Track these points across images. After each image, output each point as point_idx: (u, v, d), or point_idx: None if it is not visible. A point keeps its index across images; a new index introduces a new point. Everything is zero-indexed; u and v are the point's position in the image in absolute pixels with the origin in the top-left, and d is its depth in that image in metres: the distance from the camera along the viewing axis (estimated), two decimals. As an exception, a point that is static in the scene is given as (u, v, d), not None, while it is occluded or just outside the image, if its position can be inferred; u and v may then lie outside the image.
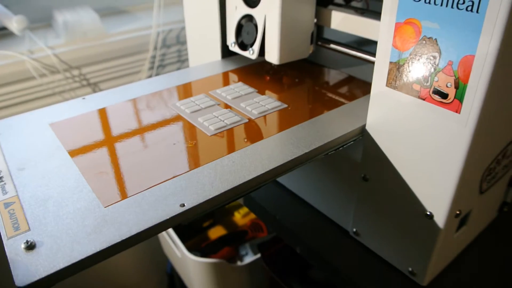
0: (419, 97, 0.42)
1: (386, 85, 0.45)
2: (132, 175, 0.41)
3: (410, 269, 0.51)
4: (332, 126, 0.48)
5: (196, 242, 1.01)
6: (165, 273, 1.24)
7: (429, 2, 0.38)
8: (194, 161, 0.42)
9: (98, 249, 0.32)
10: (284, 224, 0.62)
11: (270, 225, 0.67)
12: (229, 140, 0.46)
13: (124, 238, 0.33)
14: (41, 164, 0.43)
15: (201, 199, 0.37)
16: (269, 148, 0.44)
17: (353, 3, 0.66)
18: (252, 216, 1.06)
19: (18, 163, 0.43)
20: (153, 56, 0.99)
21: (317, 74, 0.65)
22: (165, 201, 0.37)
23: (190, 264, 0.87)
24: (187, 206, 0.36)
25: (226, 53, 0.69)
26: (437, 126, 0.42)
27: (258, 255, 0.87)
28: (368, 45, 0.71)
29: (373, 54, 0.57)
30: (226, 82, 0.61)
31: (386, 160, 0.48)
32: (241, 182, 0.39)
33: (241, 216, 1.07)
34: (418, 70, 0.41)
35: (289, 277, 0.79)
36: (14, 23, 0.81)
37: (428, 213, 0.46)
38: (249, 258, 0.91)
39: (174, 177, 0.40)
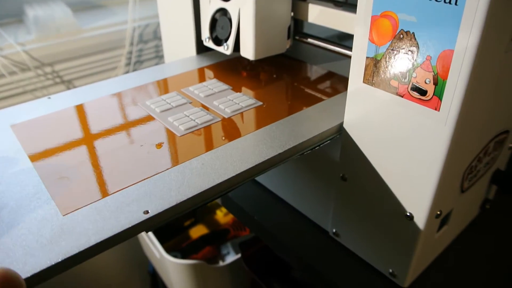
0: (397, 94, 0.40)
1: (363, 82, 0.43)
2: (94, 180, 0.38)
3: (390, 270, 0.50)
4: (308, 124, 0.46)
5: (176, 242, 0.99)
6: (147, 272, 1.21)
7: (406, -6, 0.36)
8: (162, 164, 0.40)
9: (53, 262, 0.30)
10: (263, 224, 0.60)
11: (249, 226, 0.65)
12: (199, 140, 0.44)
13: (82, 249, 0.31)
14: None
15: (166, 205, 0.35)
16: (241, 148, 0.42)
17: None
18: (234, 214, 1.04)
19: (-26, 168, 0.40)
20: (130, 52, 0.96)
21: (295, 69, 0.63)
22: (128, 208, 0.35)
23: (169, 266, 0.84)
24: (151, 213, 0.34)
25: (202, 48, 0.67)
26: (416, 124, 0.40)
27: (239, 255, 0.85)
28: (349, 40, 0.70)
29: (351, 49, 0.56)
30: (200, 79, 0.59)
31: (364, 159, 0.46)
32: (209, 186, 0.37)
33: (223, 215, 1.05)
34: (395, 65, 0.39)
35: (270, 278, 0.77)
36: (-19, 19, 0.78)
37: (408, 214, 0.44)
38: (230, 258, 0.89)
39: (138, 181, 0.38)
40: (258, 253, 0.80)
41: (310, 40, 0.60)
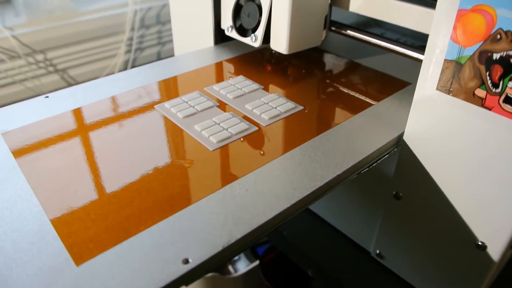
0: (483, 106, 0.33)
1: (437, 89, 0.35)
2: (114, 213, 0.30)
3: (448, 302, 0.43)
4: (362, 136, 0.39)
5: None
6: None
7: (511, -16, 0.29)
8: (195, 190, 0.32)
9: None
10: (293, 241, 0.53)
11: (276, 242, 0.58)
12: (237, 157, 0.36)
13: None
14: (-10, 193, 0.32)
15: (210, 251, 0.27)
16: (290, 168, 0.35)
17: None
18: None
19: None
20: (130, 38, 0.87)
21: (327, 64, 0.55)
22: (162, 255, 0.27)
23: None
24: (192, 263, 0.26)
25: (219, 38, 0.59)
26: (505, 143, 0.33)
27: (253, 264, 0.78)
28: (375, 27, 0.62)
29: (405, 45, 0.48)
30: (223, 75, 0.51)
31: (427, 177, 0.39)
32: (261, 222, 0.29)
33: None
34: (486, 72, 0.32)
35: (289, 291, 0.70)
36: (-37, -1, 0.68)
37: (479, 243, 0.38)
38: (242, 264, 0.82)
39: (170, 215, 0.30)
40: (275, 262, 0.73)
41: (349, 32, 0.52)
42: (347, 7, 0.50)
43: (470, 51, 0.32)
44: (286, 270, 0.73)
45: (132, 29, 0.86)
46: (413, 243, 0.44)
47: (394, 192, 0.43)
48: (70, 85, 0.84)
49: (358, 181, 0.47)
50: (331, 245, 0.53)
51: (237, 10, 0.52)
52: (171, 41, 0.93)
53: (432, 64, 0.35)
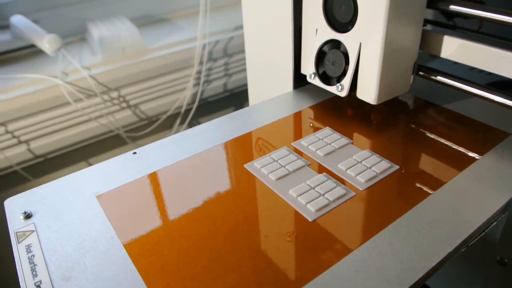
0: None
1: (560, 158, 0.32)
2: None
3: None
4: (469, 202, 0.36)
5: None
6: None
7: None
8: (300, 270, 0.31)
9: None
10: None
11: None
12: (337, 228, 0.34)
13: None
14: (92, 269, 0.32)
15: None
16: (397, 244, 0.33)
17: (457, 21, 0.53)
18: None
19: (62, 267, 0.33)
20: (199, 72, 0.87)
21: (413, 110, 0.53)
22: None
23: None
24: None
25: (298, 83, 0.57)
26: None
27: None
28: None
29: (499, 92, 0.45)
30: (307, 127, 0.49)
31: (541, 247, 0.36)
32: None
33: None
34: None
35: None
36: (46, 44, 0.70)
37: None
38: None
39: (279, 301, 0.29)
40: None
41: (439, 78, 0.49)
42: (438, 52, 0.48)
43: None
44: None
45: (201, 62, 0.87)
46: (520, 311, 0.41)
47: (498, 258, 0.40)
48: (141, 119, 0.85)
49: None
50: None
51: (320, 57, 0.50)
52: (237, 72, 0.93)
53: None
